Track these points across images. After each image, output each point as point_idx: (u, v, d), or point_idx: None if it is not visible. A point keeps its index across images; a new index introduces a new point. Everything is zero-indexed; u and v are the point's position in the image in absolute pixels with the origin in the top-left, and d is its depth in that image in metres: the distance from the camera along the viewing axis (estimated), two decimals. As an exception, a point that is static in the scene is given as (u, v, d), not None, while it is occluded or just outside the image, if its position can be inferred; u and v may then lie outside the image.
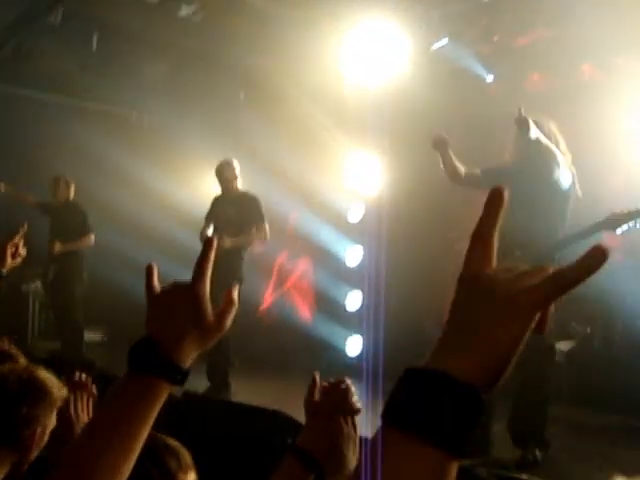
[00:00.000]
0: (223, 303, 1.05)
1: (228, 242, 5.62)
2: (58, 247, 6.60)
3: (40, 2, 7.76)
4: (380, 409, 0.64)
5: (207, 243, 1.05)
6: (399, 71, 7.19)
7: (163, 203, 7.91)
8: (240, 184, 6.10)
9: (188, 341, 0.99)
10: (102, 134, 7.60)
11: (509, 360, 0.62)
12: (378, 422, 0.65)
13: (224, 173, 6.09)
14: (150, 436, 0.99)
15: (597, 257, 0.60)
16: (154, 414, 0.96)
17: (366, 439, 0.65)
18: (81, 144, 7.68)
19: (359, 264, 7.08)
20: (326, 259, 7.00)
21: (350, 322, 6.92)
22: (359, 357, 6.63)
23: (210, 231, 6.08)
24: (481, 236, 0.66)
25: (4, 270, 2.62)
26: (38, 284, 7.33)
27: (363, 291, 7.04)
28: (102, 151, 7.55)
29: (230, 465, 3.91)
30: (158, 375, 0.96)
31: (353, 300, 7.01)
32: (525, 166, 4.56)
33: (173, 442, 1.61)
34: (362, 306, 7.00)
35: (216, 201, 6.27)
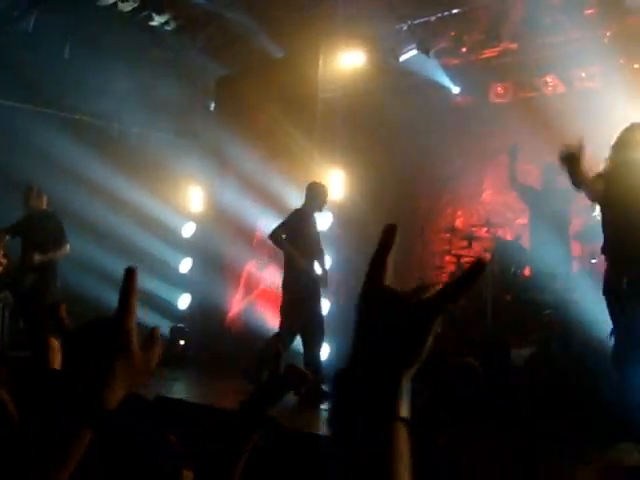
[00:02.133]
0: (149, 343, 0.93)
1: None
2: (37, 258, 6.49)
3: (12, 8, 7.78)
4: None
5: (129, 274, 0.91)
6: (369, 82, 7.29)
7: (134, 212, 7.93)
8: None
9: (114, 385, 0.88)
10: (74, 143, 7.60)
11: (422, 351, 0.74)
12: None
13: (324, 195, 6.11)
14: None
15: (478, 268, 0.74)
16: (77, 458, 0.87)
17: None
18: (52, 153, 7.67)
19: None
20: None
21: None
22: (328, 363, 6.67)
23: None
24: (379, 260, 0.77)
25: None
26: (7, 293, 7.24)
27: (329, 299, 7.09)
28: (73, 160, 7.55)
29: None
30: (83, 423, 0.86)
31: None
32: None
33: (172, 438, 1.61)
34: (328, 313, 7.05)
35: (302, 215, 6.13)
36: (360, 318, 0.76)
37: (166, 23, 8.08)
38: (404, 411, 0.73)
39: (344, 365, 0.75)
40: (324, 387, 5.58)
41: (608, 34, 6.79)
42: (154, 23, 8.04)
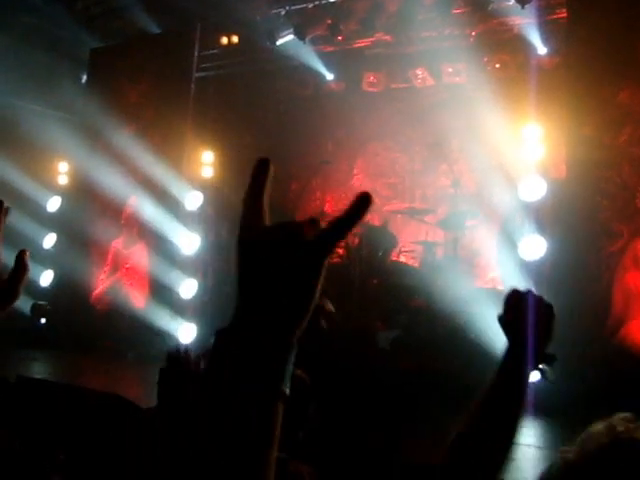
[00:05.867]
0: (15, 268, 0.99)
1: None
2: None
3: None
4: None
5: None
6: (244, 64, 7.31)
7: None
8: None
9: None
10: None
11: (311, 302, 0.64)
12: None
13: None
14: None
15: (364, 202, 0.64)
16: None
17: None
18: None
19: (195, 252, 7.10)
20: (162, 246, 6.98)
21: (184, 310, 6.93)
22: (195, 346, 6.65)
23: None
24: (255, 195, 0.68)
25: None
26: None
27: (198, 279, 7.07)
28: None
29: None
30: None
31: (188, 288, 7.02)
32: None
33: None
34: (196, 294, 7.03)
35: None
36: (242, 266, 0.64)
37: (37, -11, 7.77)
38: (286, 385, 0.62)
39: (226, 325, 0.64)
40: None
41: (473, 34, 7.14)
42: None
